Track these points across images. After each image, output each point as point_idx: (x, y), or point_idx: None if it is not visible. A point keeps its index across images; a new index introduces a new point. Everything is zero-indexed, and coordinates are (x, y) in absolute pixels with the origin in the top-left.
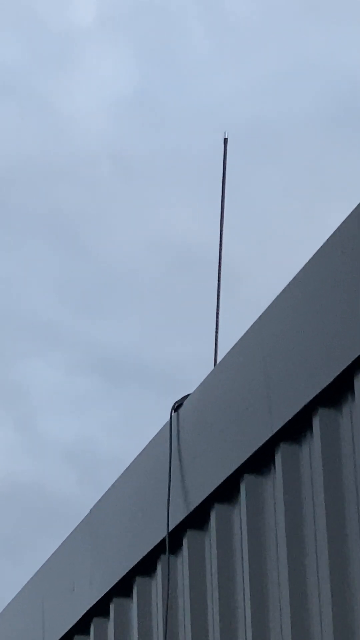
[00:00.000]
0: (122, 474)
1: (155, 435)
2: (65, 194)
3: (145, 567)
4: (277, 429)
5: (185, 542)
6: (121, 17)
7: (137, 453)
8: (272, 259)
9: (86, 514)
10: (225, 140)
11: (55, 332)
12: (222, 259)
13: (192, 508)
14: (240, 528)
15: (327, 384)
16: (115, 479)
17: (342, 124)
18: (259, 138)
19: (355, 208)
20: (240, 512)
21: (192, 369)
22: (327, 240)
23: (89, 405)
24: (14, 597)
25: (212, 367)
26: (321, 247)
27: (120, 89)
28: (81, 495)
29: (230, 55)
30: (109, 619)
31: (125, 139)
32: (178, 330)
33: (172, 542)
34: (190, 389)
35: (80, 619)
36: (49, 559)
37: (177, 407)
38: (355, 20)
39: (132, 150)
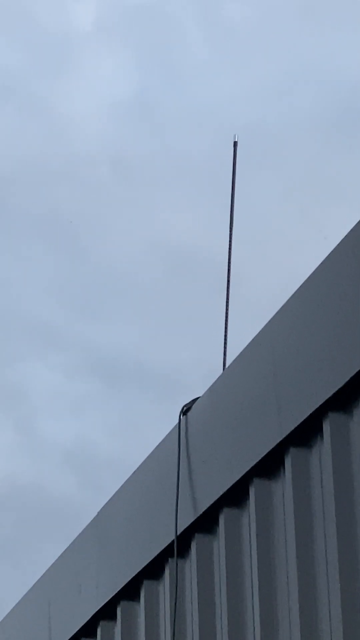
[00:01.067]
0: (129, 477)
1: (163, 439)
2: (65, 196)
3: (153, 570)
4: (287, 432)
5: (193, 546)
6: (120, 20)
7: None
8: (271, 262)
9: (87, 515)
10: (235, 144)
11: (55, 334)
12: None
13: (200, 512)
14: (249, 532)
15: (337, 388)
16: (123, 482)
17: (340, 127)
18: (258, 141)
19: None
20: (249, 516)
21: (191, 371)
22: (338, 244)
23: (88, 407)
24: (20, 600)
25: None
26: (332, 251)
27: (120, 92)
28: (80, 497)
29: (228, 58)
30: (116, 622)
31: (124, 142)
32: (177, 332)
33: (180, 546)
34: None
35: (87, 622)
36: (55, 561)
37: (185, 410)
38: (353, 23)
39: (131, 153)
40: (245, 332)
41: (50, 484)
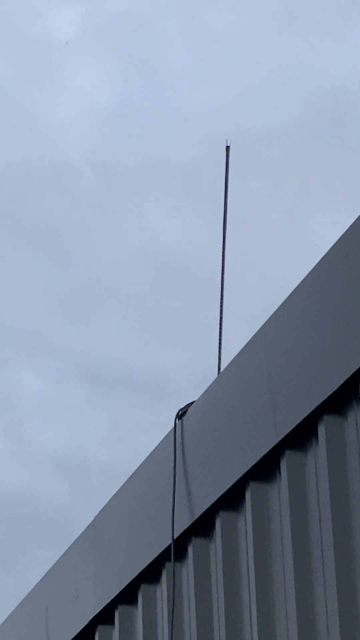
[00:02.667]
0: (126, 481)
1: (159, 443)
2: (51, 203)
3: (150, 574)
4: (282, 436)
5: (190, 549)
6: (103, 28)
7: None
8: (257, 267)
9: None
10: (228, 148)
11: (43, 341)
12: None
13: (197, 515)
14: (246, 535)
15: (332, 391)
16: (116, 487)
17: (323, 132)
18: (242, 147)
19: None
20: (245, 520)
21: (179, 377)
22: (331, 248)
23: (77, 413)
24: (18, 605)
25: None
26: (325, 254)
27: (103, 99)
28: (71, 503)
29: (212, 65)
30: (114, 626)
31: (108, 149)
32: (165, 338)
33: (177, 550)
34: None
35: (85, 627)
36: (52, 566)
37: (181, 414)
38: (334, 30)
39: (116, 160)
40: (232, 336)
41: (40, 490)
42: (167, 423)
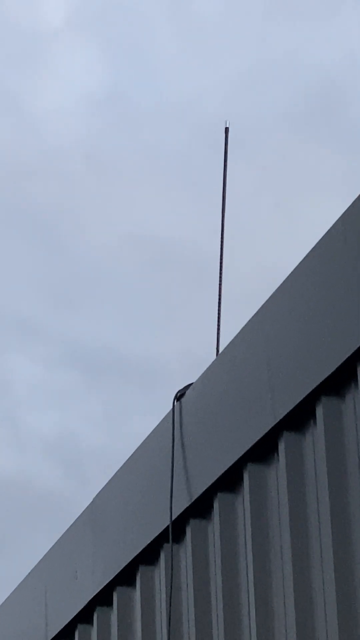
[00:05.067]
0: (124, 463)
1: (157, 425)
2: (40, 190)
3: (149, 556)
4: (280, 417)
5: (188, 531)
6: (90, 16)
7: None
8: (244, 254)
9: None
10: (227, 130)
11: (35, 328)
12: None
13: (195, 497)
14: (244, 517)
15: (330, 372)
16: (113, 470)
17: (310, 119)
18: (230, 134)
19: (359, 197)
20: (243, 501)
21: (172, 362)
22: (329, 229)
23: (70, 399)
24: (16, 587)
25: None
26: (323, 236)
27: (91, 86)
28: (65, 488)
29: (199, 52)
30: (112, 608)
31: (98, 136)
32: (157, 323)
33: (175, 531)
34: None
35: (83, 608)
36: (51, 548)
37: (179, 396)
38: (321, 17)
39: (104, 147)
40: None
41: (34, 476)
42: (160, 408)
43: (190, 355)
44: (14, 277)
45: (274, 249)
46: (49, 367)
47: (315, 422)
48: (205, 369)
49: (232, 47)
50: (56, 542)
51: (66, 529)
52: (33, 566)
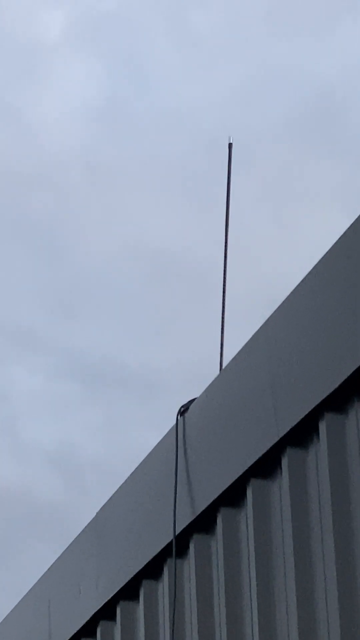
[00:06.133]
0: (128, 478)
1: (161, 439)
2: (39, 200)
3: (152, 570)
4: (284, 433)
5: (192, 545)
6: (89, 28)
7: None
8: (243, 266)
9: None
10: (230, 145)
11: (35, 339)
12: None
13: (198, 512)
14: (247, 532)
15: (333, 388)
16: (114, 483)
17: (310, 131)
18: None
19: None
20: (246, 516)
21: (172, 373)
22: (334, 245)
23: (69, 410)
24: (20, 600)
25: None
26: (327, 251)
27: (90, 98)
28: (65, 499)
29: (198, 65)
30: (115, 622)
31: (96, 147)
32: (157, 334)
33: (178, 546)
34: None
35: (87, 623)
36: (55, 561)
37: (183, 411)
38: (320, 31)
39: (103, 157)
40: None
41: (34, 487)
42: (160, 419)
43: (190, 366)
44: (13, 288)
45: (273, 260)
46: (49, 378)
47: (318, 438)
48: (206, 381)
49: (230, 59)
50: (59, 556)
51: (68, 542)
52: (33, 576)
